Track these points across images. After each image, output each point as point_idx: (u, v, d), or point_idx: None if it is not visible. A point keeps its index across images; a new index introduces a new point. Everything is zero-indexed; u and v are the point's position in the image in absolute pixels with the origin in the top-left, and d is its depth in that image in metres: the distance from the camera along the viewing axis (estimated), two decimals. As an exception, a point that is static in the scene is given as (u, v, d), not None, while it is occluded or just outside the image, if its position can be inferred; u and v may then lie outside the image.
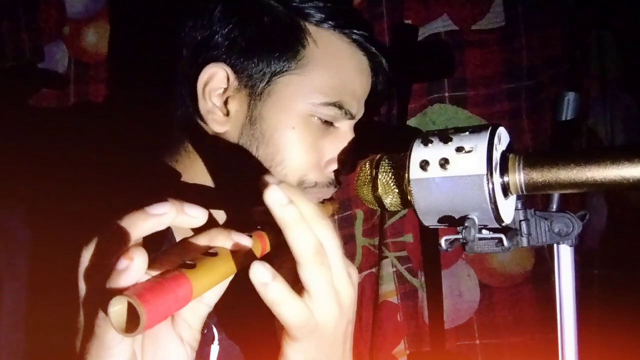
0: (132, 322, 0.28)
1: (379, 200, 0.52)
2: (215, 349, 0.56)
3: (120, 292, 0.28)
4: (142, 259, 0.31)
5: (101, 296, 0.30)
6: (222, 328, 0.57)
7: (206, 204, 0.38)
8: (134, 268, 0.30)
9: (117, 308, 0.29)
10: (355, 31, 0.60)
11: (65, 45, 0.95)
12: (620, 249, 0.89)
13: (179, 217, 0.36)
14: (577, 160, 0.42)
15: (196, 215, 0.36)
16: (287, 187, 0.37)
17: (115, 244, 0.33)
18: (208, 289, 0.34)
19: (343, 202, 0.95)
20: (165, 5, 0.64)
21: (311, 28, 0.58)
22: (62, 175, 0.56)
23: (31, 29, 0.93)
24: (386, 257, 0.94)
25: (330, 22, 0.59)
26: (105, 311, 0.29)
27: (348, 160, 0.62)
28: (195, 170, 0.61)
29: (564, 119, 0.53)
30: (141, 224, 0.34)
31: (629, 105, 0.91)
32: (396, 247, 0.94)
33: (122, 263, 0.30)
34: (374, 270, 0.96)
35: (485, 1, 0.93)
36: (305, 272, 0.37)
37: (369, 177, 0.53)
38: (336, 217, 0.95)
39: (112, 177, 0.57)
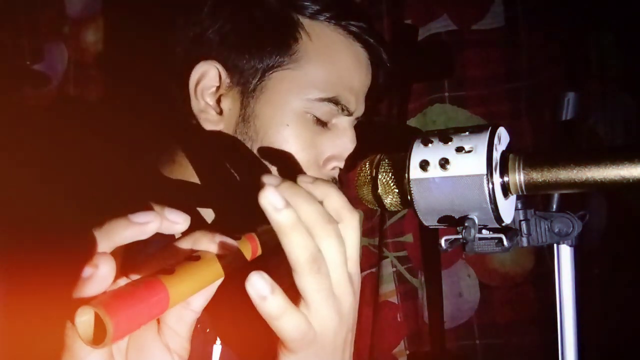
0: (102, 333, 0.27)
1: (379, 200, 0.52)
2: (217, 348, 0.55)
3: (86, 301, 0.27)
4: (108, 266, 0.30)
5: (70, 304, 0.29)
6: (217, 331, 0.55)
7: (198, 205, 0.37)
8: (98, 276, 0.29)
9: (85, 318, 0.28)
10: (352, 23, 0.58)
11: (65, 45, 0.95)
12: (620, 249, 0.89)
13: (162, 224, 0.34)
14: (577, 160, 0.42)
15: (177, 220, 0.35)
16: (289, 188, 0.35)
17: (90, 251, 0.31)
18: (188, 296, 0.33)
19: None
20: (163, 3, 0.63)
21: (305, 21, 0.56)
22: (59, 175, 0.56)
23: (31, 29, 0.93)
24: (386, 257, 0.94)
25: (325, 14, 0.57)
26: (73, 321, 0.28)
27: (347, 158, 0.61)
28: (189, 170, 0.60)
29: (564, 119, 0.53)
30: (122, 232, 0.32)
31: (629, 105, 0.91)
32: (396, 247, 0.94)
33: (86, 271, 0.29)
34: (374, 270, 0.96)
35: (485, 1, 0.93)
36: (301, 281, 0.35)
37: (369, 177, 0.53)
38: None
39: (106, 178, 0.57)
